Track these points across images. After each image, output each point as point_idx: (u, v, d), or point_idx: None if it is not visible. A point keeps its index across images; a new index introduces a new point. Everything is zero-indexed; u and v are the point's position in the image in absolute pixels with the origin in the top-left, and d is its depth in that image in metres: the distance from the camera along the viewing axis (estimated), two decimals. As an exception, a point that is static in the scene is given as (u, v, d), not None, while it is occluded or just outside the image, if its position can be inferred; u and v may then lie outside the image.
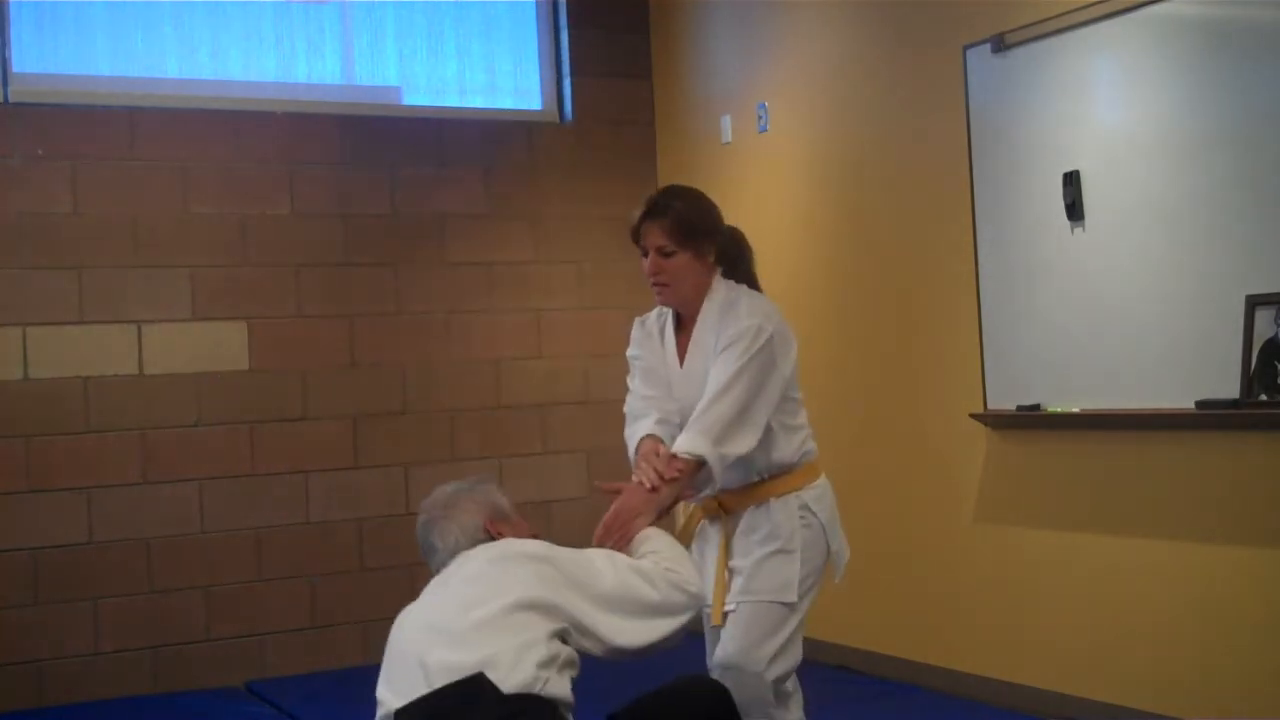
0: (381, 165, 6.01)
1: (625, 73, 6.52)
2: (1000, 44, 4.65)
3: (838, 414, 5.39)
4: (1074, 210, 4.40)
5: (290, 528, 5.74)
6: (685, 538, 3.34)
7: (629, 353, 3.42)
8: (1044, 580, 4.64)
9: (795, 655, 3.25)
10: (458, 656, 2.48)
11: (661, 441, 3.19)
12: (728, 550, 3.27)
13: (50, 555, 5.36)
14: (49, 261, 5.40)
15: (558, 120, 6.47)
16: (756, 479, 3.25)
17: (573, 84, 6.42)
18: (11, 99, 5.43)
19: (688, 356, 3.27)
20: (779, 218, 5.71)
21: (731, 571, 3.26)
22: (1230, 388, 3.93)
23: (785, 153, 5.79)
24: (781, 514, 3.24)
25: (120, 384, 5.49)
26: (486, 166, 6.24)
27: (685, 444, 3.09)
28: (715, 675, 3.18)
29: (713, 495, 3.23)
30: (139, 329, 5.54)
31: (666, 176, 6.49)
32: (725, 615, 3.23)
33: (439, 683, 2.45)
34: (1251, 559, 4.00)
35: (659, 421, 3.25)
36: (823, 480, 3.34)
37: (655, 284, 3.21)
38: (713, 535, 3.33)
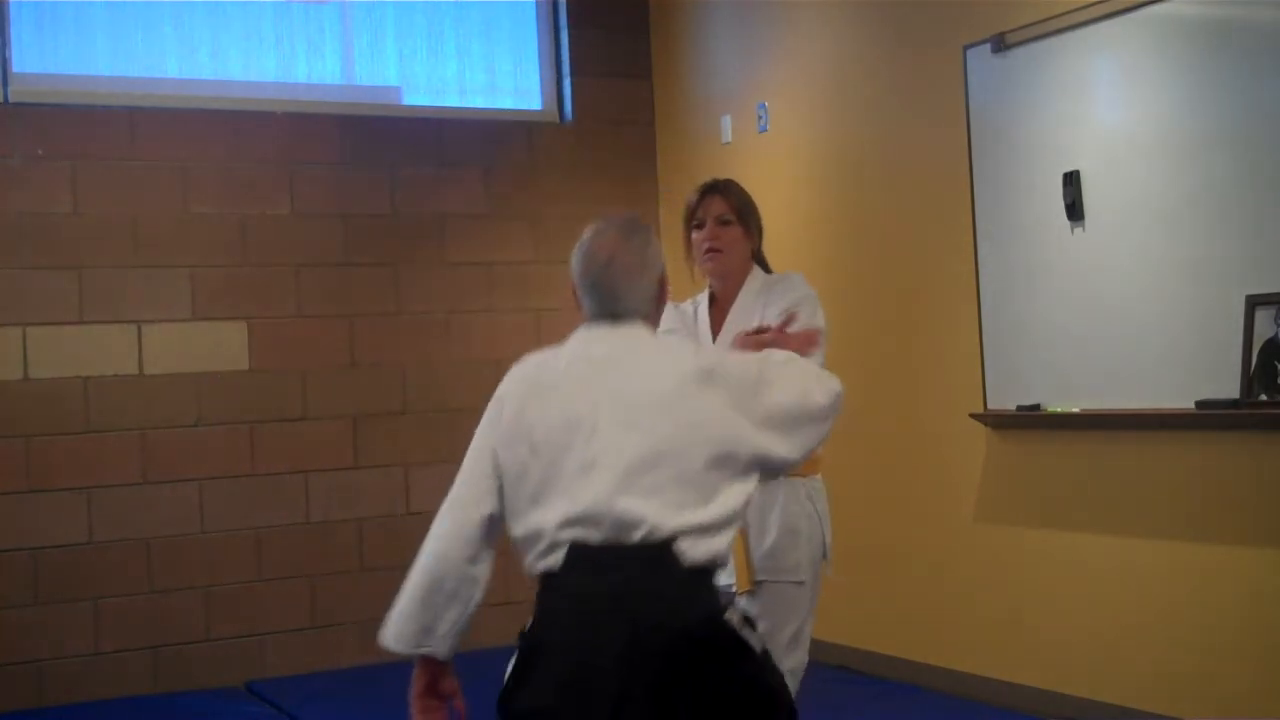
0: (381, 165, 6.01)
1: (625, 73, 6.52)
2: (1000, 44, 4.65)
3: (838, 414, 5.39)
4: (1074, 210, 4.40)
5: (290, 528, 5.74)
6: None
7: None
8: (1044, 580, 4.64)
9: (805, 651, 3.32)
10: (654, 515, 2.25)
11: None
12: (743, 531, 3.29)
13: (50, 555, 5.36)
14: (49, 261, 5.40)
15: (558, 120, 6.47)
16: None
17: (573, 84, 6.42)
18: (11, 99, 5.43)
19: (722, 332, 3.39)
20: (779, 218, 5.70)
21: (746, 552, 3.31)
22: (1230, 388, 3.93)
23: (785, 153, 5.79)
24: (790, 498, 3.32)
25: (120, 384, 5.49)
26: (486, 166, 6.24)
27: None
28: None
29: None
30: (139, 329, 5.54)
31: (666, 176, 6.50)
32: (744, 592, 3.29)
33: (626, 538, 2.25)
34: (1251, 559, 4.00)
35: None
36: (820, 474, 3.41)
37: (709, 250, 3.39)
38: None
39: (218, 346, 5.67)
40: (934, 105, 4.98)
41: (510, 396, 2.42)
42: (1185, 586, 4.17)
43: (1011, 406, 4.66)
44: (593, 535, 2.26)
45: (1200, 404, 4.02)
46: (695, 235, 3.44)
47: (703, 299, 3.51)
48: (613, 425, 2.30)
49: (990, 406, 4.75)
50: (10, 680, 5.26)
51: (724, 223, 3.41)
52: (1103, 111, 4.36)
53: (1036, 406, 4.58)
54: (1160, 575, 4.25)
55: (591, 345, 2.44)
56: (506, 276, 6.23)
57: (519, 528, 2.35)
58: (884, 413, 5.26)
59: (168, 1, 5.76)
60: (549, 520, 2.29)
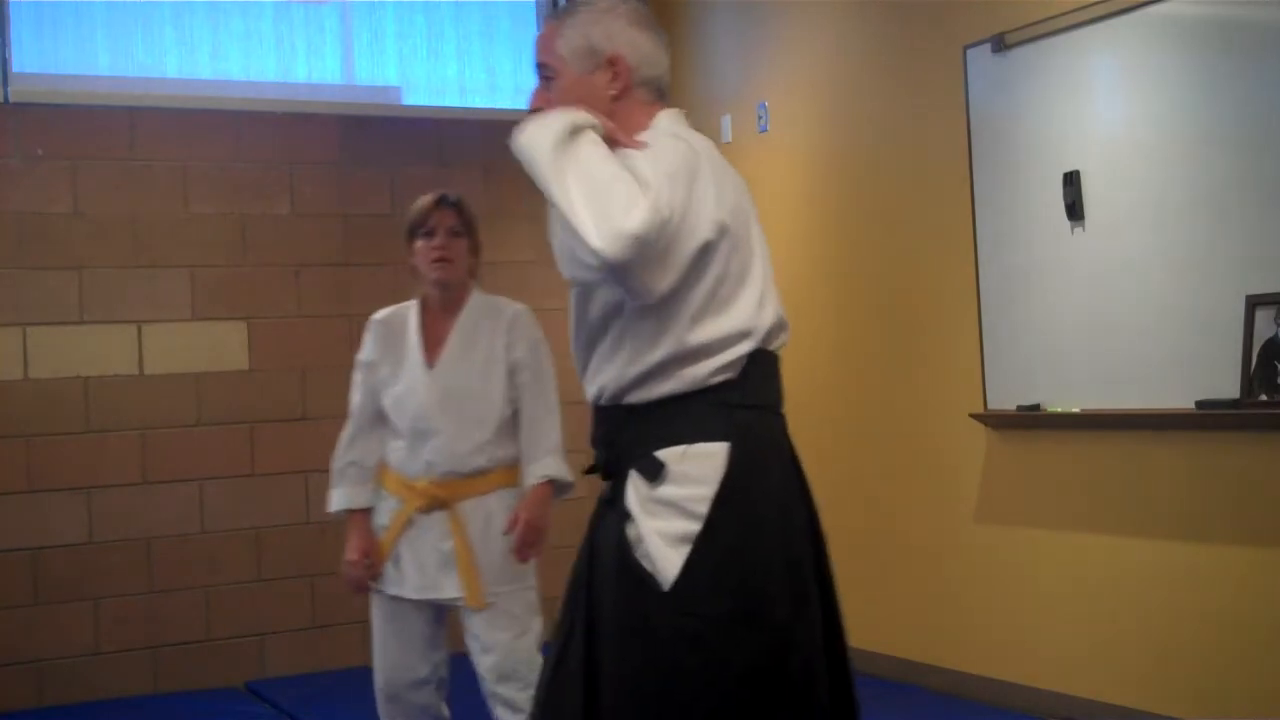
0: (381, 165, 6.01)
1: (625, 73, 6.51)
2: (1000, 44, 4.65)
3: (837, 414, 5.39)
4: (1074, 210, 4.40)
5: (290, 528, 5.74)
6: (393, 534, 3.51)
7: (363, 356, 3.77)
8: (1044, 580, 4.64)
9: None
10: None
11: None
12: (464, 540, 3.46)
13: (50, 555, 5.36)
14: (49, 261, 5.40)
15: (558, 120, 6.46)
16: (484, 470, 3.52)
17: (573, 84, 6.41)
18: (11, 99, 5.43)
19: (447, 346, 3.62)
20: (779, 218, 5.71)
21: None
22: (1230, 388, 3.93)
23: (785, 153, 5.79)
24: (502, 506, 3.53)
25: (120, 384, 5.49)
26: (486, 166, 6.23)
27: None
28: (494, 689, 3.48)
29: (435, 481, 3.48)
30: (139, 329, 5.54)
31: (666, 176, 6.49)
32: (466, 614, 3.49)
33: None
34: (1251, 559, 4.00)
35: None
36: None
37: (441, 258, 3.58)
38: (433, 525, 3.49)
39: (217, 346, 5.66)
40: (934, 105, 4.98)
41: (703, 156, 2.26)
42: (1185, 586, 4.17)
43: (1011, 406, 4.66)
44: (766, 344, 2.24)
45: (1200, 404, 4.02)
46: (422, 243, 3.56)
47: (411, 308, 3.62)
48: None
49: (990, 406, 4.75)
50: (10, 680, 5.26)
51: (455, 234, 3.58)
52: (1103, 111, 4.35)
53: (1036, 406, 4.58)
54: (1160, 575, 4.25)
55: (696, 138, 2.31)
56: (506, 276, 6.22)
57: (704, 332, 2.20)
58: (884, 413, 5.26)
59: (168, 1, 5.76)
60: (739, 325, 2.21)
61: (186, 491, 5.58)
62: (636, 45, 2.33)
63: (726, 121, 6.10)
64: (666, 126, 2.32)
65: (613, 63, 2.30)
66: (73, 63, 5.63)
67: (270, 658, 5.70)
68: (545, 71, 2.33)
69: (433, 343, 3.57)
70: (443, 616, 3.57)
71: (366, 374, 3.62)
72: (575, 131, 2.13)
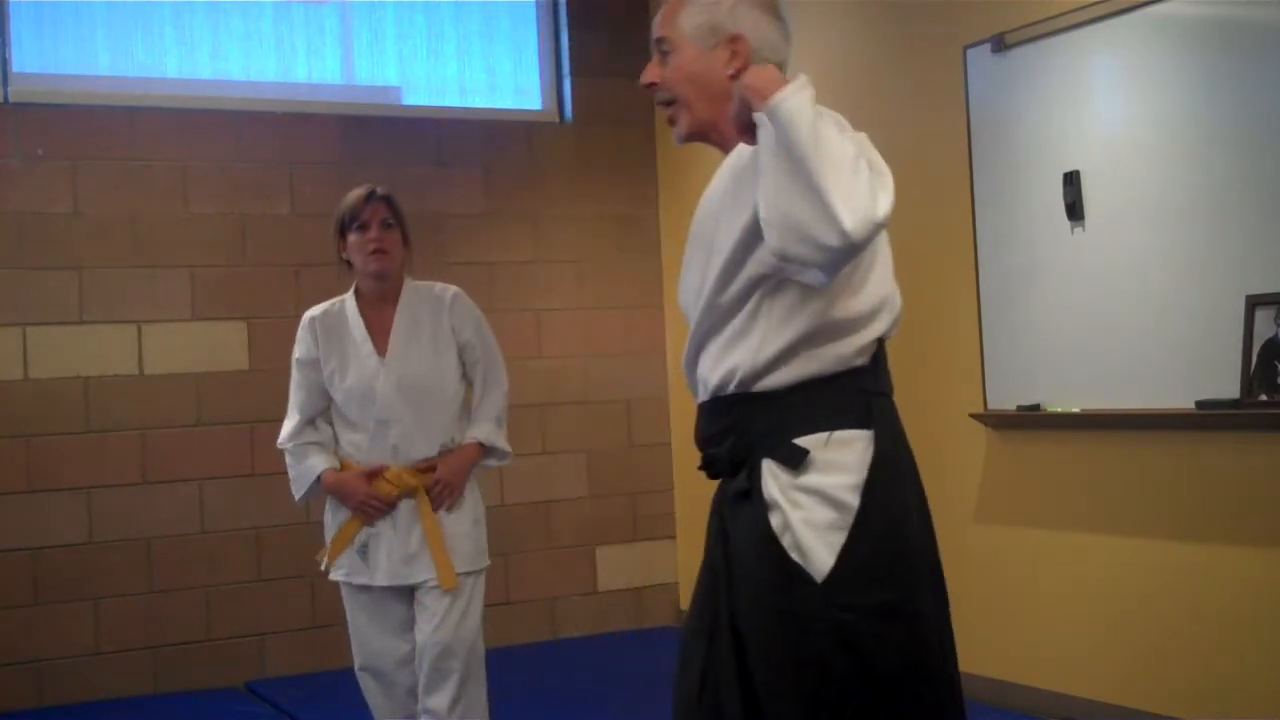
0: (381, 165, 6.00)
1: (625, 73, 6.45)
2: (1000, 44, 4.65)
3: (838, 414, 5.38)
4: (1074, 210, 4.40)
5: (290, 528, 5.73)
6: (357, 525, 3.60)
7: (298, 354, 3.91)
8: (1043, 580, 4.64)
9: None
10: None
11: None
12: (433, 522, 3.56)
13: (50, 555, 5.36)
14: (49, 261, 5.40)
15: (558, 120, 6.47)
16: (447, 450, 3.63)
17: (573, 84, 6.42)
18: (11, 99, 5.43)
19: (393, 331, 3.72)
20: (779, 218, 5.70)
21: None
22: (1230, 388, 3.93)
23: (785, 153, 5.78)
24: (469, 487, 3.66)
25: (120, 384, 5.49)
26: (486, 166, 6.23)
27: None
28: (434, 660, 3.52)
29: (404, 469, 3.57)
30: (139, 329, 5.54)
31: (666, 176, 6.50)
32: (423, 587, 3.55)
33: None
34: (1251, 559, 4.00)
35: None
36: None
37: (377, 250, 3.63)
38: (400, 511, 3.57)
39: (217, 346, 5.66)
40: (934, 105, 4.98)
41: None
42: (1185, 586, 4.17)
43: (1011, 406, 4.66)
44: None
45: (1200, 404, 4.02)
46: (356, 237, 3.62)
47: (346, 302, 3.69)
48: None
49: (990, 406, 4.75)
50: (10, 680, 5.26)
51: (388, 226, 3.65)
52: (1103, 111, 4.35)
53: (1036, 406, 4.58)
54: (1160, 575, 4.25)
55: None
56: (506, 276, 6.23)
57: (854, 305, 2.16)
58: (884, 413, 5.26)
59: (168, 1, 5.76)
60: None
61: (186, 491, 5.58)
62: (760, 28, 2.31)
63: (726, 121, 6.09)
64: None
65: (733, 41, 2.25)
66: (72, 63, 5.63)
67: (270, 658, 5.70)
68: (662, 45, 2.28)
69: (378, 333, 3.65)
70: (412, 594, 3.62)
71: (308, 372, 3.71)
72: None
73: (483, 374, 3.71)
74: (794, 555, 2.06)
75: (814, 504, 2.08)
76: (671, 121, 2.31)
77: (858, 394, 2.15)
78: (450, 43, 6.33)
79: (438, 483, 3.56)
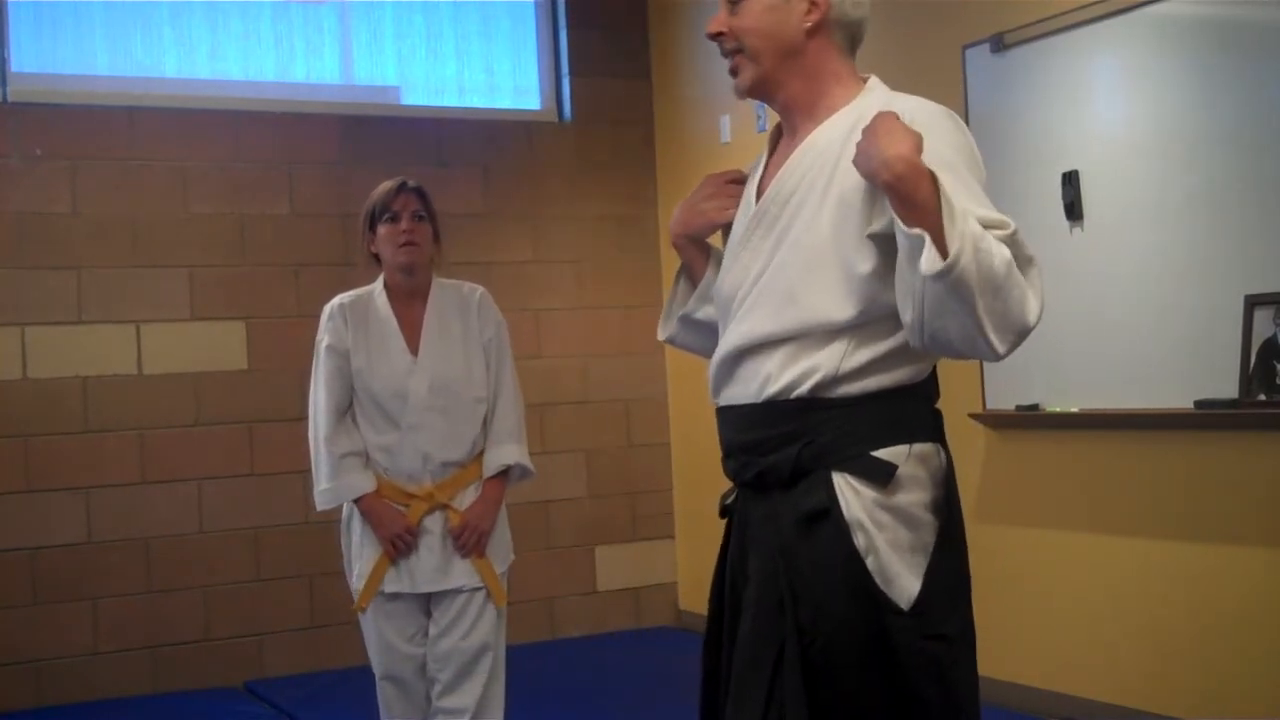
0: (380, 165, 5.98)
1: (625, 73, 6.52)
2: (1000, 44, 4.65)
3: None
4: (1073, 210, 4.40)
5: (289, 528, 5.74)
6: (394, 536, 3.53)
7: (325, 340, 3.67)
8: (1043, 580, 4.64)
9: None
10: None
11: None
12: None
13: (50, 555, 5.36)
14: (49, 261, 5.40)
15: (557, 120, 6.47)
16: (475, 457, 3.56)
17: (572, 84, 6.42)
18: (11, 99, 5.43)
19: (425, 326, 3.61)
20: (778, 218, 5.70)
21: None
22: (1229, 388, 3.94)
23: (784, 153, 5.78)
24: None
25: (119, 384, 5.49)
26: (486, 166, 6.24)
27: None
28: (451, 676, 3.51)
29: (436, 483, 3.51)
30: (138, 329, 5.54)
31: (665, 176, 6.50)
32: (453, 592, 3.51)
33: None
34: (1251, 558, 4.00)
35: None
36: None
37: (408, 242, 3.52)
38: (432, 520, 3.51)
39: (216, 346, 5.66)
40: (933, 105, 4.97)
41: None
42: (1185, 586, 4.17)
43: (1011, 406, 4.66)
44: None
45: (1199, 404, 4.02)
46: (386, 228, 3.53)
47: (375, 294, 3.58)
48: None
49: (989, 406, 4.75)
50: (10, 680, 5.26)
51: (419, 219, 3.54)
52: (1102, 111, 4.36)
53: (1036, 406, 4.58)
54: (1160, 575, 4.25)
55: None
56: (505, 276, 6.23)
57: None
58: (883, 413, 5.26)
59: (167, 1, 5.76)
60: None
61: (185, 491, 5.58)
62: None
63: (725, 121, 6.10)
64: (884, 97, 2.22)
65: None
66: (71, 63, 5.63)
67: (269, 657, 5.69)
68: None
69: (409, 331, 3.54)
70: (429, 600, 3.59)
71: (339, 360, 3.51)
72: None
73: (495, 379, 3.58)
74: (878, 581, 1.92)
75: (896, 525, 1.94)
76: (733, 72, 2.15)
77: (928, 404, 2.04)
78: (449, 42, 6.34)
79: (464, 528, 3.46)
